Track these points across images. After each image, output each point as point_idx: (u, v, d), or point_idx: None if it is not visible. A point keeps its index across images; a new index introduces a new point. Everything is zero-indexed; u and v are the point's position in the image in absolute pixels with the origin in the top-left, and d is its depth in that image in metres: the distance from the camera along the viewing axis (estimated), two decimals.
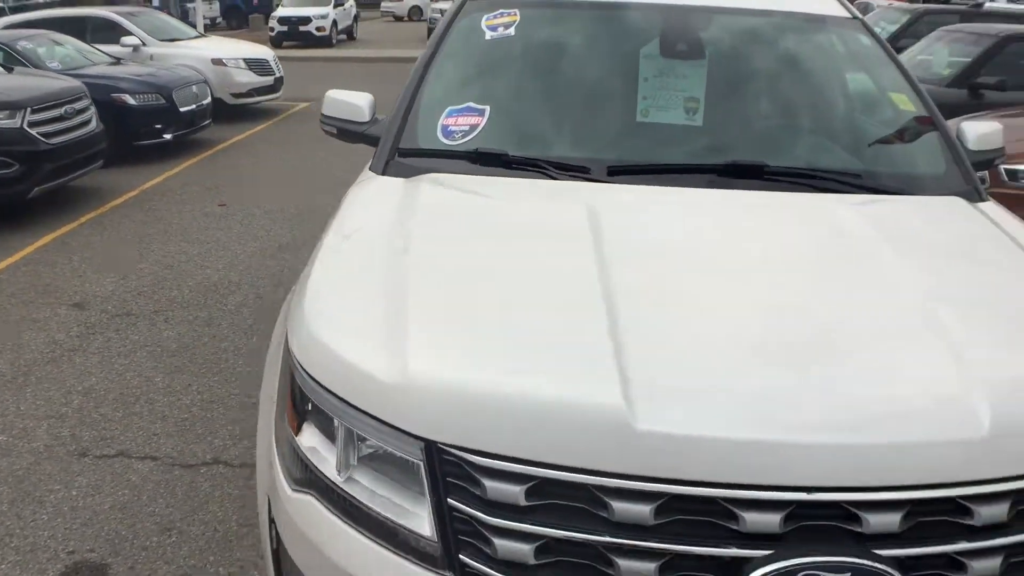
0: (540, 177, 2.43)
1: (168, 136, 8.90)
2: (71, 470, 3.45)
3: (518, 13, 2.95)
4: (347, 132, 2.96)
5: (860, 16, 3.24)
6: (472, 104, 2.66)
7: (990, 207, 2.52)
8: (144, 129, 8.73)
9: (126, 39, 10.87)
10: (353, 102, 2.95)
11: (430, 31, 26.38)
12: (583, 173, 2.43)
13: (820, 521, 1.35)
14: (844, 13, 3.17)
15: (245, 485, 3.38)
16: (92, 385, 4.15)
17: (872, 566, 1.31)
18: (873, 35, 3.15)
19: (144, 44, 10.98)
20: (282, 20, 23.30)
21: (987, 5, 11.71)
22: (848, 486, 1.34)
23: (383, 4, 37.32)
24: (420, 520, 1.44)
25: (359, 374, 1.53)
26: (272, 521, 1.76)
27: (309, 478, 1.58)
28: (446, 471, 1.42)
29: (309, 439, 1.61)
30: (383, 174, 2.55)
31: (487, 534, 1.38)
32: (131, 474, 3.44)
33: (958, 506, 1.38)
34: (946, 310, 1.75)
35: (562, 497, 1.38)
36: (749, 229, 2.20)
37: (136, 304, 5.17)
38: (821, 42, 3.14)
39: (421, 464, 1.43)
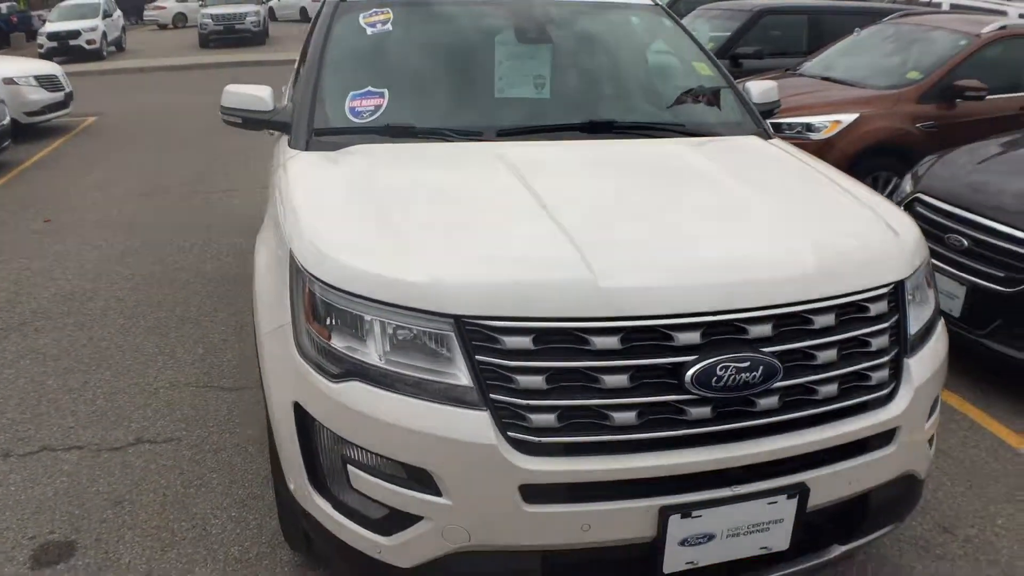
0: (444, 141, 2.99)
1: None
2: (0, 471, 3.55)
3: (390, 11, 3.46)
4: (252, 120, 3.29)
5: (660, 3, 4.04)
6: (371, 88, 3.15)
7: (777, 142, 3.36)
8: None
9: None
10: (255, 94, 3.30)
11: (202, 37, 25.68)
12: (478, 136, 3.02)
13: (724, 335, 2.02)
14: (650, 1, 3.96)
15: (175, 456, 3.64)
16: None
17: (760, 357, 2.00)
18: (671, 16, 3.96)
19: None
20: (51, 36, 22.12)
21: None
22: (738, 308, 2.02)
23: (146, 13, 35.67)
24: (456, 376, 1.95)
25: (394, 281, 2.00)
26: (302, 419, 2.19)
27: (349, 369, 2.03)
28: (472, 336, 1.95)
29: (341, 341, 2.07)
30: (307, 150, 2.98)
31: (509, 374, 1.93)
32: (62, 464, 3.58)
33: (803, 317, 2.10)
34: (770, 200, 2.53)
35: (557, 341, 1.95)
36: (619, 161, 2.91)
37: None
38: (636, 24, 3.90)
39: (453, 335, 1.95)
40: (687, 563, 2.04)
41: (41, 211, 7.61)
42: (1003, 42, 6.84)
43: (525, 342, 1.94)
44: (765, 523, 2.06)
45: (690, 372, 1.96)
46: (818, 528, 2.25)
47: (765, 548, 2.10)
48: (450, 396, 1.95)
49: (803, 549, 2.22)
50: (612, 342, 1.95)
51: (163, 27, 34.67)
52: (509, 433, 1.94)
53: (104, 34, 22.90)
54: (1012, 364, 4.09)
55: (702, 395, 1.98)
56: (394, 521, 2.05)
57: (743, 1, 9.67)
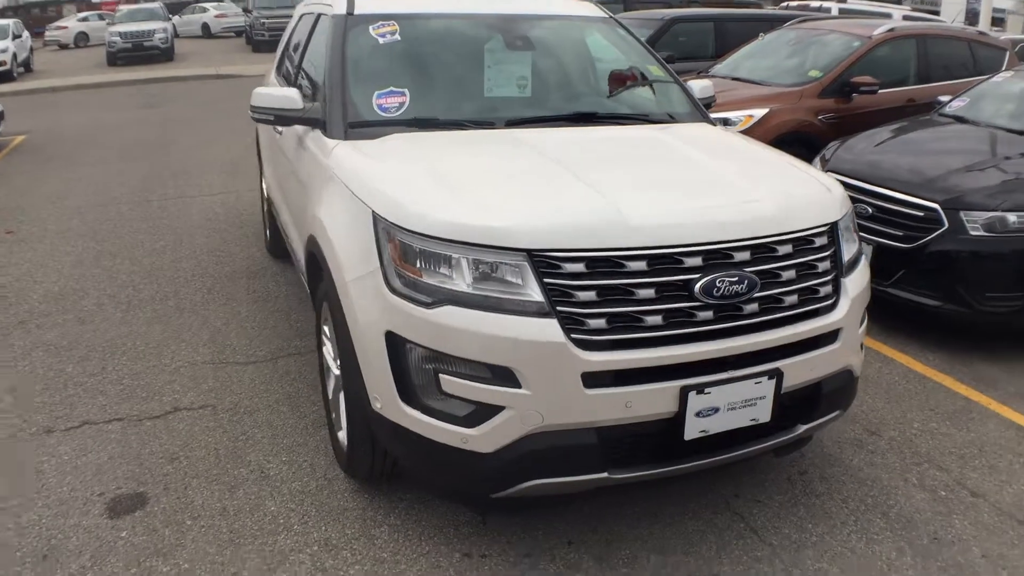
0: (463, 130, 3.61)
1: None
2: (48, 444, 3.80)
3: (396, 24, 4.04)
4: (284, 118, 3.82)
5: (613, 16, 4.74)
6: (393, 88, 3.73)
7: (721, 127, 4.10)
8: None
9: None
10: (285, 95, 3.80)
11: (110, 55, 25.37)
12: (491, 125, 3.67)
13: (718, 259, 2.72)
14: (605, 15, 4.67)
15: (215, 419, 4.04)
16: (12, 384, 4.40)
17: (744, 273, 2.71)
18: (624, 28, 4.67)
19: None
20: None
21: None
22: (726, 240, 2.73)
23: (48, 33, 34.97)
24: (529, 295, 2.57)
25: (478, 226, 2.61)
26: (394, 344, 2.72)
27: (441, 298, 2.61)
28: (540, 264, 2.57)
29: (432, 277, 2.65)
30: (346, 139, 3.53)
31: (570, 291, 2.57)
32: (107, 434, 3.89)
33: (770, 247, 2.83)
34: (734, 165, 3.27)
35: (602, 266, 2.61)
36: (610, 140, 3.61)
37: None
38: (596, 34, 4.59)
39: (526, 264, 2.57)
40: (700, 431, 2.72)
41: None
42: (891, 42, 7.85)
43: (580, 267, 2.60)
44: (753, 399, 2.75)
45: (697, 285, 2.66)
46: (788, 411, 2.95)
47: (754, 420, 2.79)
48: (526, 310, 2.57)
49: (778, 428, 2.93)
50: (641, 265, 2.64)
51: (63, 47, 34.01)
52: (572, 335, 2.57)
53: (14, 55, 22.61)
54: (913, 306, 4.95)
55: (706, 302, 2.68)
56: (479, 414, 2.63)
57: (654, 11, 10.52)
